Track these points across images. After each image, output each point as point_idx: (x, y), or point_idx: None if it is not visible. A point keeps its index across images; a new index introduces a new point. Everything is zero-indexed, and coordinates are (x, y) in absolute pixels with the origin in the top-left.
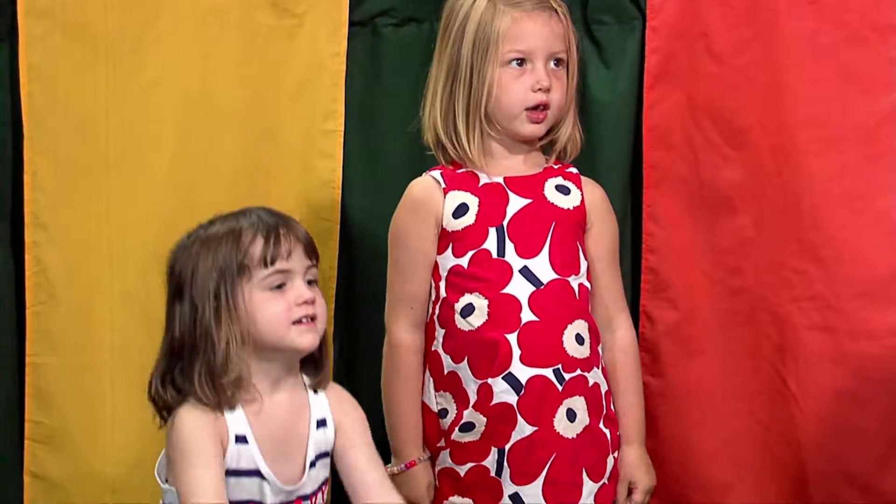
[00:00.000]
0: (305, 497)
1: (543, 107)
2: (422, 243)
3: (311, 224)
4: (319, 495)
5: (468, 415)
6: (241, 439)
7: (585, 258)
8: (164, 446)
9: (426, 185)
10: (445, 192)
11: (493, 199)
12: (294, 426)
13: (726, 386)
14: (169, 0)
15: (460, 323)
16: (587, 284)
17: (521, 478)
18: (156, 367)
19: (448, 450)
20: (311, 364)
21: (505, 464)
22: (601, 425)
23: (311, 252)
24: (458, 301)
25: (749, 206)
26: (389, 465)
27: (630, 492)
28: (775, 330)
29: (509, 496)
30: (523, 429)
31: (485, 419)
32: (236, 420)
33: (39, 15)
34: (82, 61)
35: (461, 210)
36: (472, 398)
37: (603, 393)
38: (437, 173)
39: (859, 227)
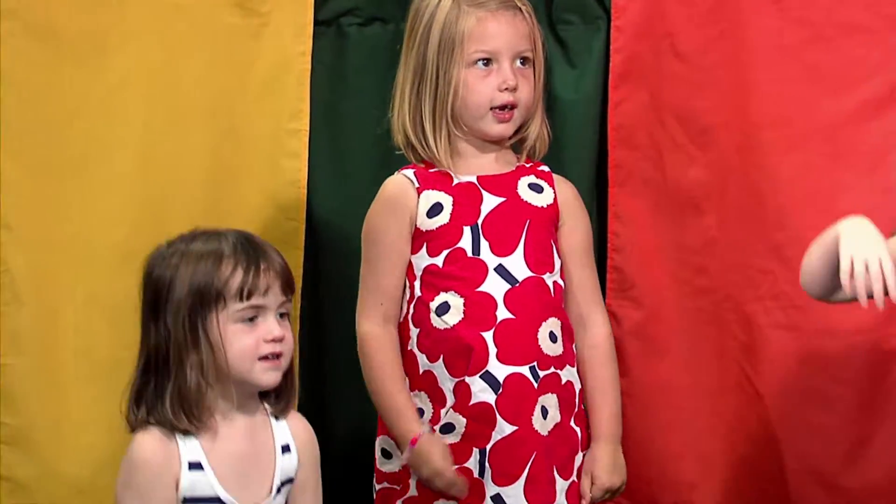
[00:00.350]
0: None
1: (510, 106)
2: (395, 240)
3: (278, 224)
4: None
5: (447, 416)
6: (195, 466)
7: (559, 256)
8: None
9: (399, 183)
10: (419, 191)
11: (466, 198)
12: (255, 452)
13: (691, 385)
14: (134, 0)
15: (436, 322)
16: (561, 282)
17: (503, 478)
18: (131, 384)
19: None
20: (273, 393)
21: (486, 465)
22: (572, 423)
23: (288, 287)
24: (433, 300)
25: (714, 205)
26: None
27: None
28: (740, 329)
29: (491, 498)
30: (503, 428)
31: (464, 420)
32: (190, 447)
33: (4, 15)
34: (47, 62)
35: (435, 209)
36: (449, 397)
37: (576, 391)
38: (410, 172)
39: (824, 226)
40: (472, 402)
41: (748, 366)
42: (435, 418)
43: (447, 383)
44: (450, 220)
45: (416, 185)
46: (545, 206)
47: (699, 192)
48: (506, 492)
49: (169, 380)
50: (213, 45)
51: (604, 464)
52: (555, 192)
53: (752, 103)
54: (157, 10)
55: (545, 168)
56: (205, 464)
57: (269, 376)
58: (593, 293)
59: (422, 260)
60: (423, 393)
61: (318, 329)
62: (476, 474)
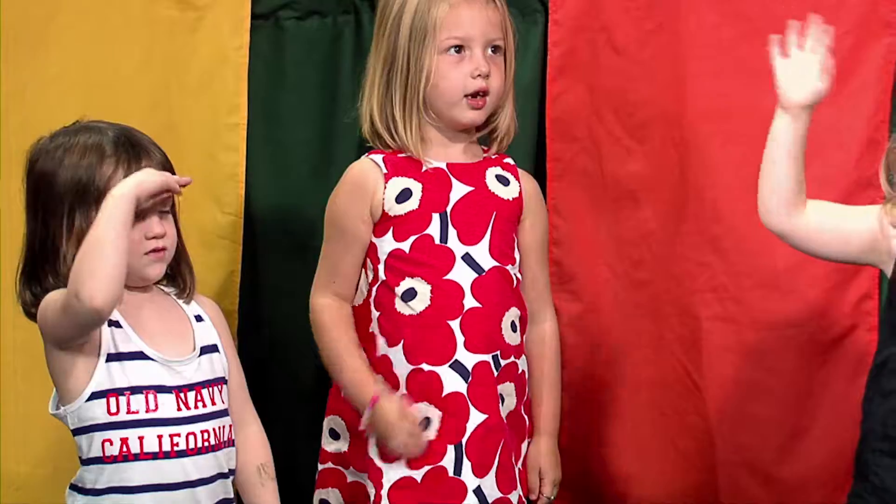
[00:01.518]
0: (203, 385)
1: (483, 93)
2: (353, 223)
3: (215, 217)
4: (217, 393)
5: (423, 410)
6: (113, 323)
7: (518, 249)
8: (70, 447)
9: (365, 167)
10: (387, 177)
11: (436, 185)
12: (169, 319)
13: (630, 377)
14: None
15: (400, 307)
16: (518, 275)
17: (481, 469)
18: (19, 272)
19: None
20: (173, 281)
21: (464, 458)
22: (522, 411)
23: None
24: (398, 285)
25: (652, 198)
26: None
27: (540, 482)
28: (678, 321)
29: (473, 491)
30: (476, 418)
31: (439, 413)
32: None
33: None
34: None
35: (405, 195)
36: (401, 384)
37: (527, 380)
38: (378, 157)
39: (759, 219)
40: (444, 394)
41: (686, 358)
42: None
43: (402, 369)
44: (419, 206)
45: (384, 170)
46: (511, 198)
47: (637, 185)
48: (484, 483)
49: (55, 270)
50: (150, 38)
51: (550, 458)
52: (520, 186)
53: (688, 97)
54: (93, 3)
55: (510, 161)
56: (122, 322)
57: (154, 268)
58: (545, 290)
59: (387, 244)
60: (377, 376)
61: (256, 323)
62: (451, 472)
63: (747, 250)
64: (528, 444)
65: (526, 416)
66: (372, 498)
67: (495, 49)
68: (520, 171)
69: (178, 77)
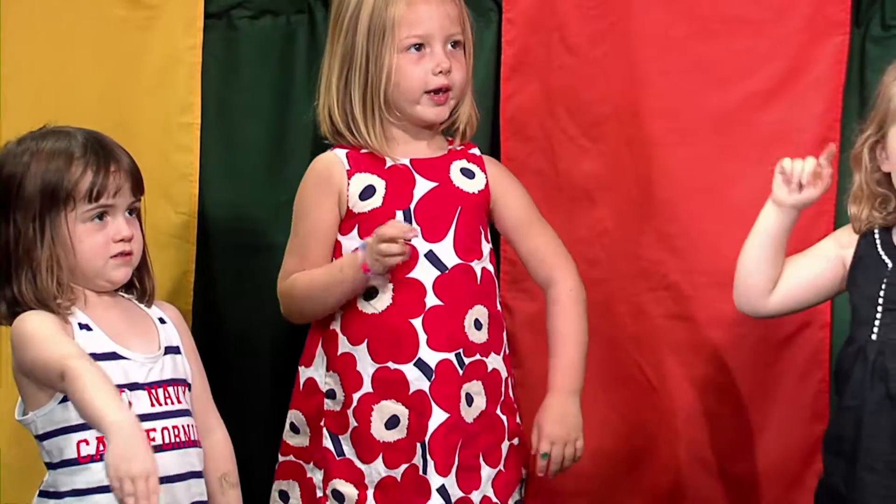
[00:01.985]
0: (170, 383)
1: (445, 89)
2: (320, 216)
3: (168, 217)
4: (181, 393)
5: (390, 407)
6: (84, 327)
7: (487, 241)
8: (15, 441)
9: (329, 160)
10: (350, 173)
11: (399, 181)
12: (134, 321)
13: (585, 376)
14: None
15: (363, 305)
16: (490, 268)
17: (444, 468)
18: None
19: (382, 455)
20: (133, 287)
21: (428, 457)
22: (498, 411)
23: (137, 188)
24: None
25: (606, 197)
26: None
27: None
28: (633, 319)
29: (437, 490)
30: (438, 416)
31: (407, 411)
32: (75, 314)
33: None
34: None
35: (368, 192)
36: (366, 382)
37: (502, 379)
38: (342, 152)
39: (713, 217)
40: (410, 392)
41: (640, 356)
42: (347, 402)
43: (367, 368)
44: (382, 203)
45: (347, 166)
46: (476, 192)
47: (591, 184)
48: (447, 482)
49: (23, 276)
50: (103, 37)
51: (550, 413)
52: (486, 177)
53: (641, 96)
54: (45, 1)
55: (476, 151)
56: (92, 325)
57: (120, 272)
58: (556, 250)
59: (352, 242)
60: (336, 374)
61: (211, 323)
62: (421, 471)
63: (701, 249)
64: (513, 443)
65: (504, 417)
66: (355, 498)
67: (455, 44)
68: (486, 159)
69: (131, 76)
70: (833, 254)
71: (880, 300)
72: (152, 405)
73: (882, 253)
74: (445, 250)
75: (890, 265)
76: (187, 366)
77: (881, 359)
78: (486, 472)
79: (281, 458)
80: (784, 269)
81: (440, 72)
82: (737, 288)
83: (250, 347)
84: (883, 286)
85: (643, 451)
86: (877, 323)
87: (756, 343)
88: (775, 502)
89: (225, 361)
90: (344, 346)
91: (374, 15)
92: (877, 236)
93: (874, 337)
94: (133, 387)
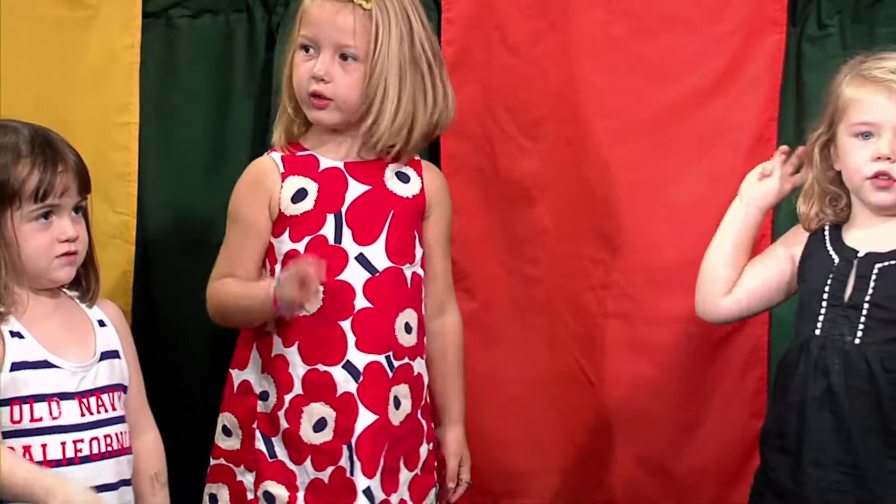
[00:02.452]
0: (104, 390)
1: (318, 95)
2: (254, 219)
3: (107, 217)
4: (116, 399)
5: (319, 410)
6: (16, 335)
7: (422, 245)
8: None
9: (264, 165)
10: (284, 176)
11: (332, 184)
12: (72, 325)
13: (525, 374)
14: None
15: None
16: (420, 273)
17: (370, 470)
18: None
19: (310, 457)
20: (77, 284)
21: (355, 458)
22: (419, 415)
23: (84, 188)
24: None
25: (545, 196)
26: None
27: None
28: (572, 318)
29: (363, 492)
30: (365, 418)
31: (335, 413)
32: (8, 321)
33: None
34: None
35: (300, 195)
36: (297, 384)
37: (424, 384)
38: (277, 156)
39: (651, 215)
40: (338, 394)
41: (580, 355)
42: (279, 404)
43: (298, 370)
44: (314, 206)
45: (281, 169)
46: (411, 196)
47: (531, 183)
48: (372, 483)
49: None
50: (40, 36)
51: (463, 443)
52: (422, 182)
53: (580, 95)
54: None
55: (416, 157)
56: (25, 333)
57: (64, 272)
58: (451, 282)
59: (283, 244)
60: (270, 377)
61: (150, 322)
62: (348, 473)
63: (640, 247)
64: (429, 448)
65: (424, 421)
66: (286, 499)
67: (346, 56)
68: (426, 165)
69: (68, 75)
70: (783, 256)
71: (825, 296)
72: (83, 415)
73: (830, 249)
74: (377, 253)
75: (836, 261)
76: (125, 368)
77: (823, 354)
78: (405, 476)
79: (212, 462)
80: (746, 279)
81: (315, 77)
82: (698, 293)
83: (189, 348)
84: (828, 282)
85: (584, 449)
86: (821, 318)
87: (695, 341)
88: (714, 499)
89: (163, 361)
90: (278, 348)
91: (298, 11)
92: (826, 233)
93: (818, 332)
94: (63, 396)
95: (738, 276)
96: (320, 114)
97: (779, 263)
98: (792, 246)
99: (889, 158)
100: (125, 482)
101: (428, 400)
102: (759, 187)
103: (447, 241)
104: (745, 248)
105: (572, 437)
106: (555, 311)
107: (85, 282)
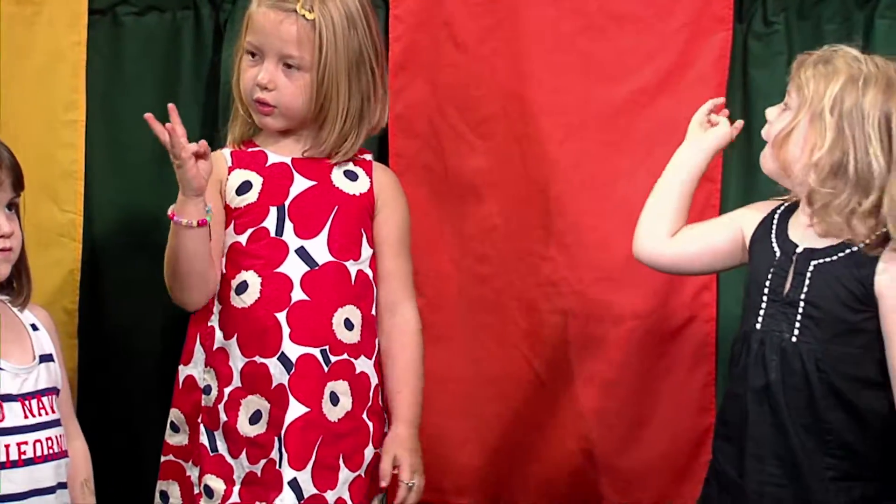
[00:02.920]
0: (44, 393)
1: (263, 103)
2: (215, 207)
3: (53, 215)
4: (54, 402)
5: (255, 402)
6: None
7: (371, 245)
8: None
9: (215, 157)
10: (230, 170)
11: (277, 178)
12: (9, 324)
13: (475, 372)
14: None
15: (234, 300)
16: (367, 271)
17: (298, 462)
18: None
19: (246, 450)
20: (9, 286)
21: (283, 450)
22: (365, 416)
23: (18, 184)
24: (234, 278)
25: (495, 193)
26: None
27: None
28: (522, 315)
29: (288, 483)
30: (296, 409)
31: (269, 405)
32: None
33: None
34: None
35: (244, 188)
36: (236, 377)
37: (372, 385)
38: (227, 151)
39: (600, 212)
40: (273, 386)
41: (530, 352)
42: (219, 397)
43: (237, 362)
44: (258, 198)
45: (229, 163)
46: (358, 193)
47: (480, 181)
48: (300, 476)
49: None
50: None
51: (407, 444)
52: (371, 181)
53: (529, 92)
54: None
55: (368, 156)
56: None
57: (0, 268)
58: (405, 282)
59: (228, 237)
60: (212, 370)
61: (98, 321)
62: (277, 465)
63: (589, 244)
64: (375, 451)
65: (370, 422)
66: (223, 493)
67: (290, 65)
68: (376, 165)
69: (14, 73)
70: (733, 223)
71: (766, 290)
72: (25, 416)
73: (773, 240)
74: (317, 247)
75: (778, 254)
76: (59, 373)
77: (762, 349)
78: (345, 475)
79: (162, 458)
80: (694, 228)
81: (259, 85)
82: (639, 231)
83: (137, 345)
84: (769, 276)
85: (532, 445)
86: (762, 312)
87: (644, 337)
88: (663, 494)
89: (111, 359)
90: (219, 341)
91: (246, 11)
92: (775, 222)
93: (758, 326)
94: (6, 398)
95: (682, 221)
96: (266, 119)
97: (732, 231)
98: (745, 223)
99: None
100: (62, 485)
101: (378, 402)
102: (711, 132)
103: (399, 241)
104: (690, 191)
105: (521, 433)
106: (505, 308)
107: (17, 284)
